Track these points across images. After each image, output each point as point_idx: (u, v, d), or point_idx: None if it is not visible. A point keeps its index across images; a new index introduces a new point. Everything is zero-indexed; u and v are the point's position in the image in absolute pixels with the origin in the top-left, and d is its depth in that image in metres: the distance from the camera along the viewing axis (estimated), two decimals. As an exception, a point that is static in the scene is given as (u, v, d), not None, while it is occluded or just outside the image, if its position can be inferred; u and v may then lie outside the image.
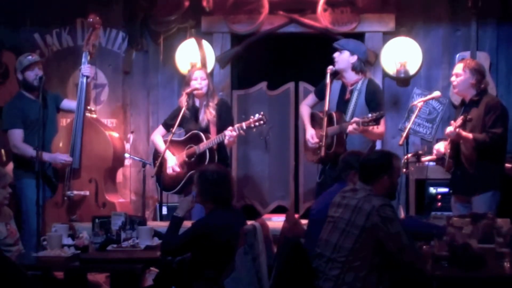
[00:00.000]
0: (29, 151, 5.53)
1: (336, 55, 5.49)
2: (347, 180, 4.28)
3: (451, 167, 5.20)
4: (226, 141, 5.53)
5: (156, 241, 4.40)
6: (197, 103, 5.78)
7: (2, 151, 6.64)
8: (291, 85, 7.09)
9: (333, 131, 5.32)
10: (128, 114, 7.10)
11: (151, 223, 5.14)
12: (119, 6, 7.04)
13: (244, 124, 5.42)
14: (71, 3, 7.06)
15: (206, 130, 5.68)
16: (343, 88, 5.54)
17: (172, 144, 5.72)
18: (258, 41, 6.97)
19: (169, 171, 5.70)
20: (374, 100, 5.39)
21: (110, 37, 7.06)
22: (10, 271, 3.28)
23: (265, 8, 6.76)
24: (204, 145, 5.57)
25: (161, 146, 5.77)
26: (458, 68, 5.18)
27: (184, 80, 5.90)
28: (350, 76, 5.48)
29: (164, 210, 6.23)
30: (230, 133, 5.43)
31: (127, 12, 7.02)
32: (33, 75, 5.70)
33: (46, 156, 5.60)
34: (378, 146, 6.55)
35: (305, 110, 5.76)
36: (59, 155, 5.66)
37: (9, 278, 3.25)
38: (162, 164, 5.63)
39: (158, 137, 5.88)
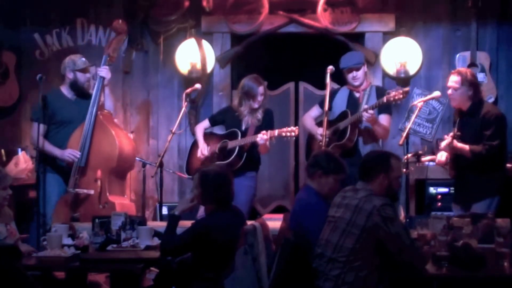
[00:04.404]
0: (46, 147, 5.60)
1: (357, 74, 5.57)
2: (314, 179, 4.27)
3: (454, 174, 5.25)
4: (259, 145, 5.61)
5: (156, 241, 4.40)
6: (246, 105, 5.77)
7: (2, 151, 6.65)
8: (291, 85, 7.09)
9: (347, 122, 5.46)
10: (128, 114, 7.10)
11: (151, 223, 5.14)
12: (119, 6, 7.04)
13: (276, 132, 5.54)
14: (71, 3, 7.07)
15: (244, 132, 5.74)
16: (351, 93, 5.67)
17: (212, 137, 5.90)
18: (258, 41, 6.98)
19: (198, 154, 5.82)
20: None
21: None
22: (18, 280, 3.28)
23: (265, 8, 6.76)
24: (236, 142, 5.66)
25: (200, 136, 5.90)
26: (455, 81, 5.17)
27: (243, 90, 5.71)
28: (364, 83, 5.63)
29: (164, 210, 6.23)
30: (261, 135, 5.50)
31: (127, 12, 7.02)
32: (84, 78, 5.83)
33: (57, 152, 5.65)
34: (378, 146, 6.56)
35: (309, 120, 5.87)
36: (66, 150, 5.69)
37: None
38: (193, 148, 5.88)
39: (200, 128, 5.97)
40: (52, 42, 7.13)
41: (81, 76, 5.82)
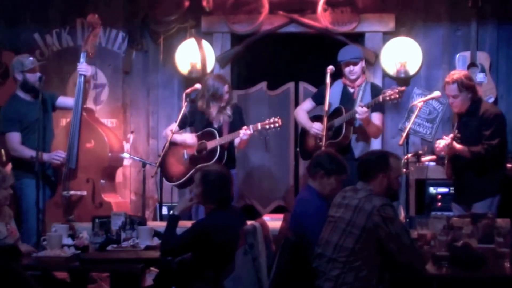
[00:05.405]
0: (27, 153, 5.53)
1: (354, 68, 5.57)
2: (315, 179, 4.27)
3: (451, 174, 5.25)
4: (238, 141, 5.62)
5: (156, 241, 4.40)
6: (214, 106, 5.78)
7: (2, 151, 6.64)
8: (291, 85, 7.09)
9: (342, 119, 5.46)
10: (128, 114, 7.10)
11: (151, 223, 5.14)
12: (119, 6, 7.05)
13: (259, 125, 5.55)
14: (71, 3, 7.07)
15: (219, 130, 5.74)
16: (346, 88, 5.67)
17: None
18: (258, 41, 6.98)
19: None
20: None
21: (110, 37, 7.05)
22: (17, 280, 3.27)
23: (265, 8, 6.76)
24: (216, 141, 5.64)
25: (177, 136, 5.82)
26: (453, 89, 5.15)
27: (210, 92, 5.70)
28: (359, 78, 5.64)
29: (164, 210, 6.23)
30: (244, 131, 5.49)
31: (127, 12, 7.03)
32: (34, 77, 5.70)
33: (44, 156, 5.62)
34: (378, 146, 6.57)
35: (302, 113, 5.86)
36: (53, 153, 5.68)
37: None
38: (166, 154, 5.71)
39: (172, 130, 5.81)
40: (52, 42, 7.13)
41: (30, 76, 5.70)
